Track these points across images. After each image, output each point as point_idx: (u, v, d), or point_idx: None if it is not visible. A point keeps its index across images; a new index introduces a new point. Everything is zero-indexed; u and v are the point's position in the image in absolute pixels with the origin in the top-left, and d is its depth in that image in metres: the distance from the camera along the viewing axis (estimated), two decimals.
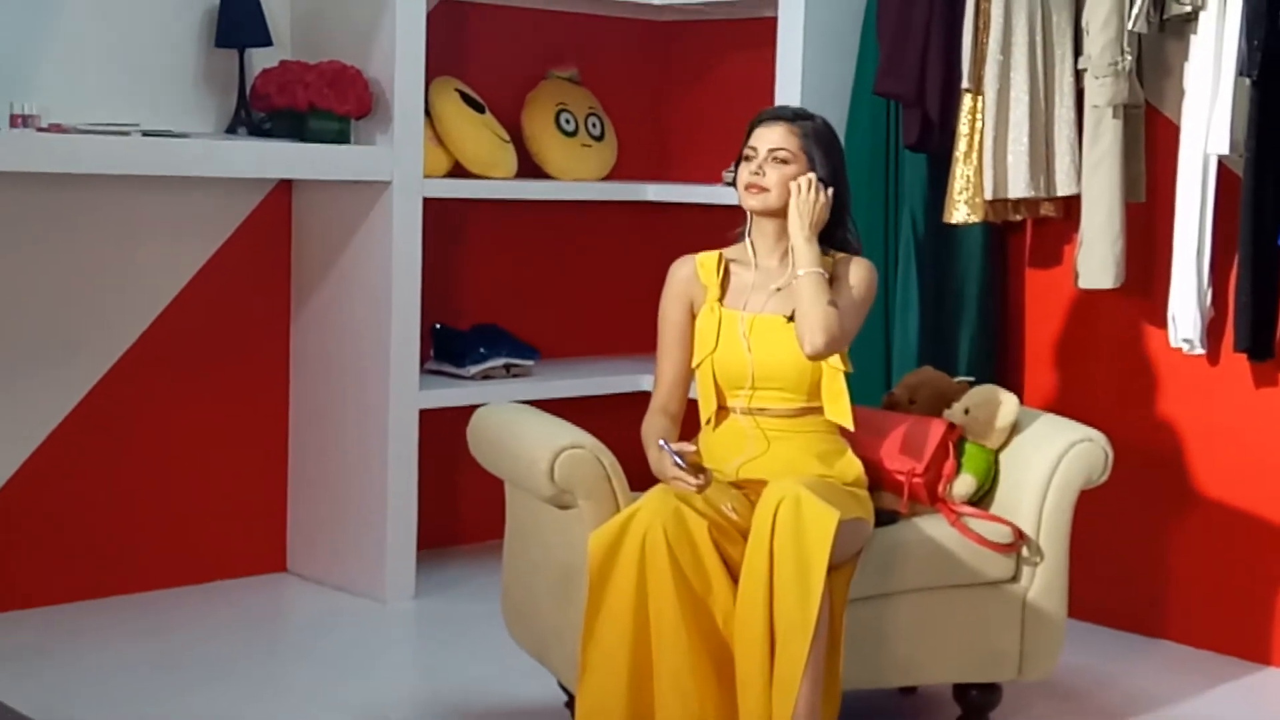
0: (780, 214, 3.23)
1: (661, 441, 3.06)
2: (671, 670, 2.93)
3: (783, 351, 3.19)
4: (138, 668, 3.71)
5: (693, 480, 3.00)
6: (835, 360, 3.19)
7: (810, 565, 2.89)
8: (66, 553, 4.15)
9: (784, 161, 3.21)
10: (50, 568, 4.12)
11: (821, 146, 3.23)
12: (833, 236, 3.26)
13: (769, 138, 3.23)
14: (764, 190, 3.21)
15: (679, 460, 3.00)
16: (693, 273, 3.31)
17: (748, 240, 3.31)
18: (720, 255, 3.31)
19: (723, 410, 3.27)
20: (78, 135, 3.76)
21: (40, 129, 3.73)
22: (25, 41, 3.93)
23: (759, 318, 3.22)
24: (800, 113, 3.30)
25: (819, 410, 3.23)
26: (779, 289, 3.23)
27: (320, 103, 4.07)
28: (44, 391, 4.08)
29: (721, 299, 3.27)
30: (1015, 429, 3.48)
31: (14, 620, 4.00)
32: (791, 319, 3.18)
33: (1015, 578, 3.39)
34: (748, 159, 3.25)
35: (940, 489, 3.40)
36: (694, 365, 3.28)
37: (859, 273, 3.24)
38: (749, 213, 3.27)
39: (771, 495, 2.96)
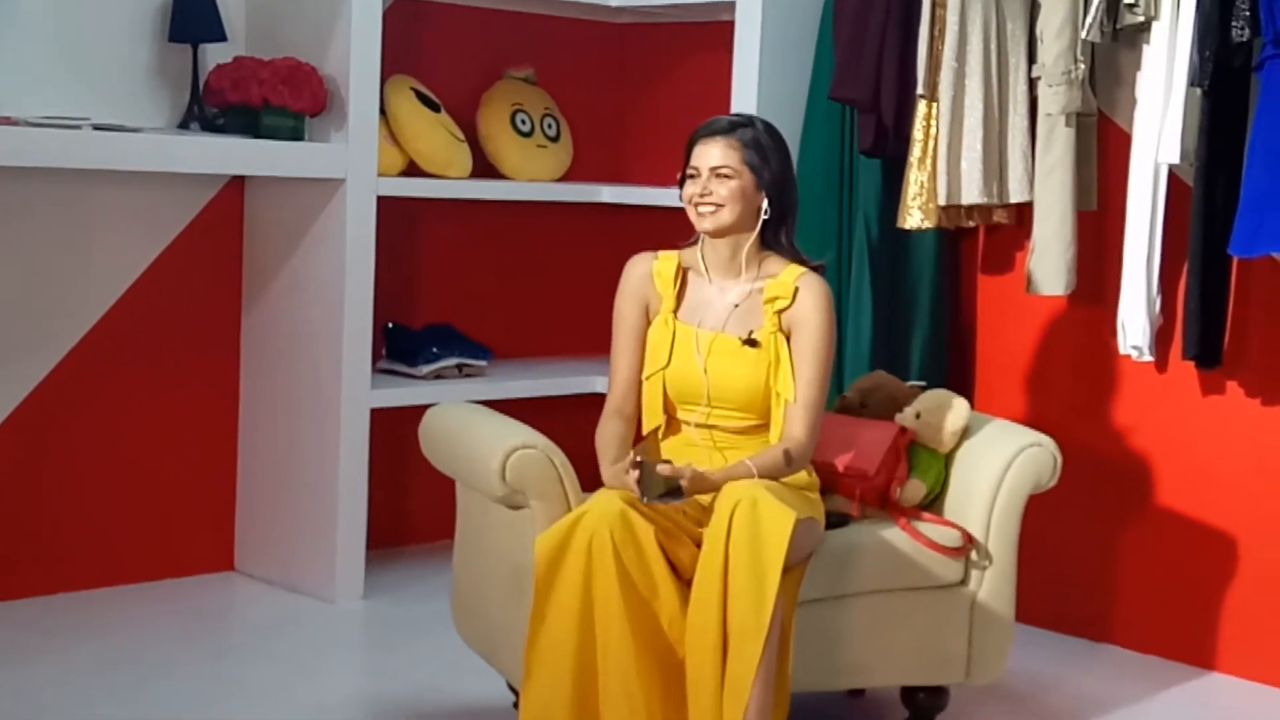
0: (732, 230, 3.21)
1: (636, 458, 3.00)
2: (619, 674, 2.92)
3: (737, 373, 3.17)
4: (83, 667, 3.68)
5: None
6: (785, 390, 3.15)
7: (766, 567, 2.89)
8: (10, 549, 4.10)
9: (728, 178, 3.18)
10: None
11: (763, 154, 3.18)
12: (777, 239, 3.23)
13: (709, 156, 3.19)
14: (717, 208, 3.18)
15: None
16: (648, 273, 3.28)
17: (699, 254, 3.29)
18: (678, 262, 3.28)
19: (673, 421, 3.26)
20: (28, 128, 3.73)
21: None
22: None
23: (716, 338, 3.21)
24: (737, 122, 3.23)
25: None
26: (737, 305, 3.22)
27: (275, 99, 4.05)
28: None
29: (676, 310, 3.26)
30: (965, 433, 3.50)
31: None
32: (747, 343, 3.16)
33: (964, 581, 3.41)
34: (692, 178, 3.21)
35: (891, 492, 3.42)
36: (644, 377, 3.26)
37: (814, 312, 3.15)
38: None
39: (728, 497, 2.96)
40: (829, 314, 3.18)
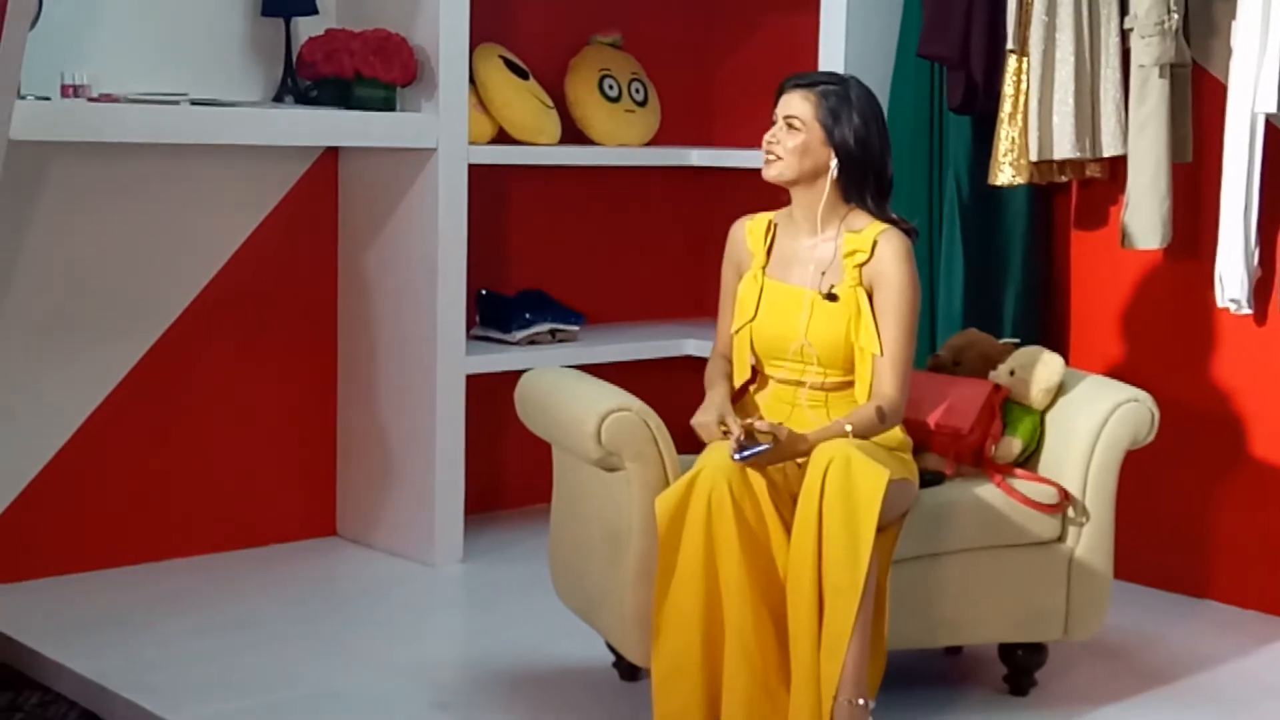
0: (797, 183, 3.20)
1: (736, 434, 3.03)
2: (738, 628, 2.96)
3: (823, 328, 3.17)
4: (189, 632, 3.76)
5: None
6: (869, 344, 3.15)
7: (860, 525, 2.90)
8: (119, 518, 4.20)
9: (796, 129, 3.17)
10: (103, 532, 4.17)
11: (841, 113, 3.15)
12: (862, 199, 3.20)
13: (786, 104, 3.19)
14: (776, 160, 3.18)
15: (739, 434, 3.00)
16: (742, 237, 3.31)
17: (791, 210, 3.28)
18: (770, 221, 3.30)
19: (762, 377, 3.28)
20: (127, 105, 3.80)
21: (91, 99, 3.77)
22: (76, 12, 3.97)
23: (799, 291, 3.21)
24: (825, 78, 3.21)
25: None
26: (818, 259, 3.20)
27: (366, 70, 4.09)
28: (96, 359, 4.13)
29: (766, 266, 3.27)
30: (1061, 390, 3.48)
31: (68, 584, 4.06)
32: (828, 297, 3.16)
33: (1061, 538, 3.40)
34: (773, 124, 3.23)
35: (986, 450, 3.41)
36: (733, 331, 3.28)
37: (894, 266, 3.13)
38: None
39: (821, 456, 2.97)
40: (909, 268, 3.16)
